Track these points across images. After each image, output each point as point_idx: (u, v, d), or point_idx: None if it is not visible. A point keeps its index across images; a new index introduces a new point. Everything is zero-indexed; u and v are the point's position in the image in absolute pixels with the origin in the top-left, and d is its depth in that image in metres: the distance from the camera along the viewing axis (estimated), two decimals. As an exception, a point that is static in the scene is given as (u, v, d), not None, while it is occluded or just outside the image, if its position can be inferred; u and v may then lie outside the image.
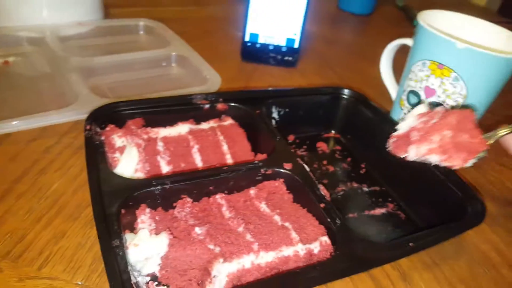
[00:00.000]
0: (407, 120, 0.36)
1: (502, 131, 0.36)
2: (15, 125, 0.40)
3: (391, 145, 0.36)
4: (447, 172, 0.37)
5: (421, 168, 0.38)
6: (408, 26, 0.91)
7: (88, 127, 0.34)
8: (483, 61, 0.37)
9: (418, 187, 0.39)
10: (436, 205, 0.37)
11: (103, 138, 0.35)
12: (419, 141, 0.33)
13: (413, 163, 0.38)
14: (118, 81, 0.52)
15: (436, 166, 0.37)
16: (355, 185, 0.42)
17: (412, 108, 0.38)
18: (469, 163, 0.33)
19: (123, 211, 0.29)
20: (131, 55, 0.55)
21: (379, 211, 0.39)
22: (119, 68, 0.53)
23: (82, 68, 0.49)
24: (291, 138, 0.47)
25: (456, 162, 0.32)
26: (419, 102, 0.42)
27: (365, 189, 0.42)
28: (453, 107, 0.40)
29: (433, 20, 0.43)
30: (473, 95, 0.39)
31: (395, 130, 0.37)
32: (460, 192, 0.35)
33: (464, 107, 0.39)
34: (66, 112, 0.42)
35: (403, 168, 0.41)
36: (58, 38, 0.55)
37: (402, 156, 0.35)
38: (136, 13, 0.70)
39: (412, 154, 0.34)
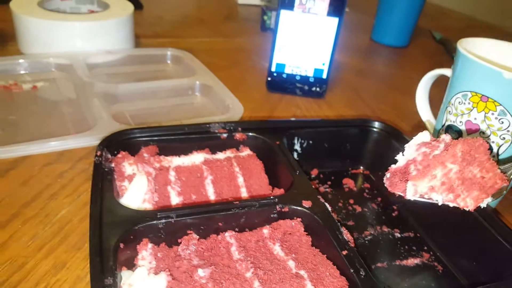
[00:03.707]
0: (406, 151, 0.29)
1: None
2: (32, 148, 0.40)
3: (386, 181, 0.30)
4: (493, 218, 0.32)
5: (463, 213, 0.33)
6: (447, 59, 0.87)
7: (99, 153, 0.33)
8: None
9: (459, 235, 0.35)
10: (481, 258, 0.32)
11: (113, 165, 0.33)
12: (418, 176, 0.27)
13: (453, 207, 0.34)
14: (141, 108, 0.51)
15: (481, 211, 0.32)
16: (385, 229, 0.38)
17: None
18: (485, 202, 0.27)
19: (122, 245, 0.26)
20: (155, 83, 0.55)
21: (412, 261, 0.35)
22: (142, 96, 0.53)
23: (106, 94, 0.49)
24: (314, 172, 0.44)
25: (466, 202, 0.27)
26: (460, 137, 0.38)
27: (397, 235, 0.37)
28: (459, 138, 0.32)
29: (474, 49, 0.40)
30: (522, 132, 0.35)
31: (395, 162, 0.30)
32: (508, 243, 0.30)
33: (476, 135, 0.32)
34: (83, 138, 0.41)
35: (442, 213, 0.36)
36: (87, 65, 0.56)
37: (399, 195, 0.29)
38: (166, 44, 0.71)
39: (411, 192, 0.28)
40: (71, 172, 0.38)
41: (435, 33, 1.01)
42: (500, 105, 0.35)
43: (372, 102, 0.62)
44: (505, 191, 0.28)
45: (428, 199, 0.28)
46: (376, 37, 0.91)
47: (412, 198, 0.28)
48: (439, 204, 0.28)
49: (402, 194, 0.29)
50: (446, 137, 0.28)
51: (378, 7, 0.89)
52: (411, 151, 0.29)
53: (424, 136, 0.29)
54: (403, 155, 0.29)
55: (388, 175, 0.30)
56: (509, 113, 0.35)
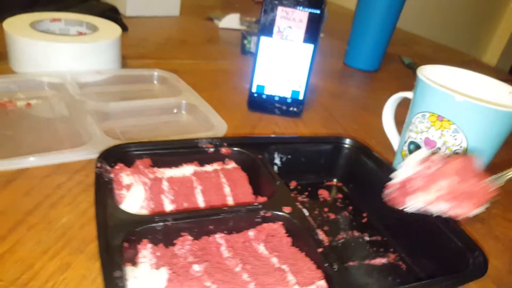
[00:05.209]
0: (405, 168, 0.33)
1: (509, 173, 0.34)
2: (32, 161, 0.42)
3: (388, 196, 0.33)
4: (449, 223, 0.37)
5: (423, 219, 0.38)
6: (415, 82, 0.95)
7: (99, 164, 0.36)
8: (481, 114, 0.39)
9: (419, 238, 0.40)
10: (438, 257, 0.37)
11: (112, 175, 0.37)
12: (423, 188, 0.30)
13: (415, 214, 0.39)
14: (130, 125, 0.55)
15: (438, 217, 0.37)
16: (356, 233, 0.42)
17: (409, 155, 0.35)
18: (476, 211, 0.31)
19: (126, 244, 0.30)
20: (144, 102, 0.58)
21: (379, 261, 0.39)
22: (131, 114, 0.56)
23: (97, 112, 0.53)
24: (293, 184, 0.48)
25: (464, 210, 0.30)
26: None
27: (366, 238, 0.42)
28: (454, 154, 0.37)
29: (433, 75, 0.46)
30: (473, 147, 0.41)
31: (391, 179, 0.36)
32: (462, 243, 0.35)
33: (465, 153, 0.37)
34: (79, 152, 0.44)
35: (405, 219, 0.41)
36: (78, 84, 0.59)
37: (401, 208, 0.33)
38: (151, 65, 0.75)
39: (416, 203, 0.31)
40: (69, 184, 0.41)
41: (404, 58, 1.09)
42: (454, 123, 0.40)
43: (344, 122, 0.68)
44: (488, 202, 0.31)
45: (426, 210, 0.31)
46: (348, 61, 0.98)
47: (413, 210, 0.31)
48: (433, 215, 0.31)
49: (402, 207, 0.32)
50: (439, 155, 0.31)
51: (351, 34, 0.96)
52: (409, 168, 0.32)
53: (421, 154, 0.32)
54: (401, 172, 0.33)
55: (389, 190, 0.33)
56: (461, 131, 0.40)
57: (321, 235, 0.34)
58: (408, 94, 0.49)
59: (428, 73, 0.46)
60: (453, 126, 0.41)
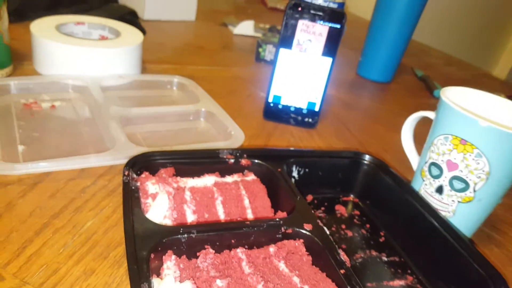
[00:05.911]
0: None
1: None
2: (57, 164, 0.43)
3: None
4: (469, 247, 0.37)
5: (442, 243, 0.39)
6: (427, 96, 0.95)
7: (126, 172, 0.37)
8: (505, 139, 0.39)
9: (438, 261, 0.40)
10: (457, 282, 0.37)
11: (138, 184, 0.37)
12: None
13: (433, 235, 0.39)
14: (151, 131, 0.56)
15: (457, 240, 0.37)
16: (374, 253, 0.42)
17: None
18: None
19: (152, 255, 0.30)
20: (165, 108, 0.59)
21: (398, 283, 0.39)
22: (152, 119, 0.57)
23: (121, 117, 0.53)
24: (309, 198, 0.48)
25: None
26: (441, 174, 0.44)
27: (384, 258, 0.42)
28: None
29: (455, 96, 0.46)
30: (496, 172, 0.40)
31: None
32: (483, 270, 0.35)
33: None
34: (104, 157, 0.45)
35: (423, 240, 0.41)
36: (100, 87, 0.60)
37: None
38: (169, 70, 0.76)
39: None
40: (93, 188, 0.42)
41: (416, 70, 1.09)
42: (477, 148, 0.40)
43: (358, 134, 0.68)
44: None
45: None
46: (362, 72, 0.98)
47: None
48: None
49: None
50: None
51: (365, 44, 0.96)
52: None
53: None
54: None
55: None
56: (484, 155, 0.40)
57: (343, 256, 0.34)
58: (428, 114, 0.49)
59: (450, 94, 0.47)
60: (476, 150, 0.41)
